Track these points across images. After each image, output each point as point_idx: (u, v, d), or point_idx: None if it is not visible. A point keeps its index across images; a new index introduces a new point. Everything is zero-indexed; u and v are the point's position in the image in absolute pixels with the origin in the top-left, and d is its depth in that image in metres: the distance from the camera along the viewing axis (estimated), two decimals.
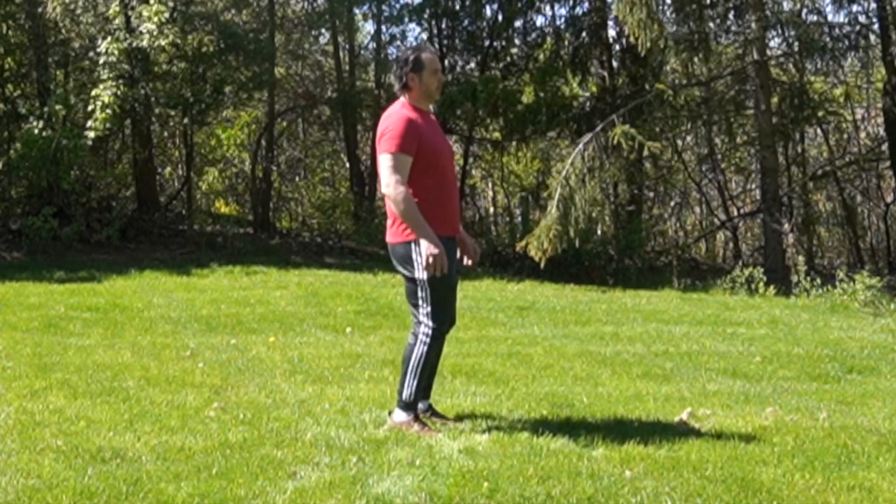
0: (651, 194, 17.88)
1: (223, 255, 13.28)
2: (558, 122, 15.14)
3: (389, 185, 4.25)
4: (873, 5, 14.37)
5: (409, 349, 4.42)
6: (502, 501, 3.49)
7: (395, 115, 4.38)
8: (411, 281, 4.37)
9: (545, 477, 3.73)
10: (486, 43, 16.38)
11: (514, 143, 17.29)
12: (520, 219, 17.38)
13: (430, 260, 4.21)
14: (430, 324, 4.34)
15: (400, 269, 4.43)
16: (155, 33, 12.76)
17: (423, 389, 4.60)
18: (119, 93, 12.84)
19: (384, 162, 4.27)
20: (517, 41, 16.69)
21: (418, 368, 4.36)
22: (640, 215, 15.66)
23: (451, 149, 4.68)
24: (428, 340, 4.35)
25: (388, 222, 4.43)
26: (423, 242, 4.22)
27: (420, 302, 4.35)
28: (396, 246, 4.39)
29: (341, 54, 17.29)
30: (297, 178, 20.45)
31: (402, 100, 4.46)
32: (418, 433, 4.29)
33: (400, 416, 4.42)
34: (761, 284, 11.31)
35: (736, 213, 17.49)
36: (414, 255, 4.29)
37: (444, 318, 4.38)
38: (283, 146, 19.58)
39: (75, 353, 6.41)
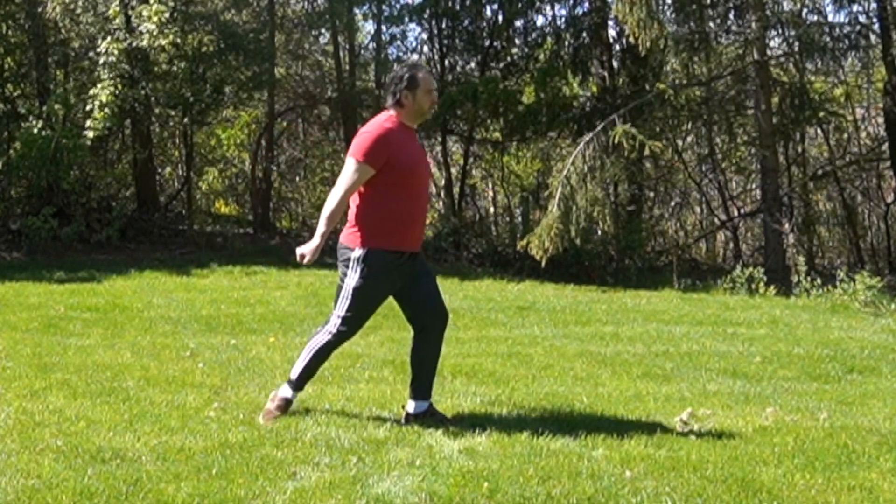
0: (651, 194, 17.87)
1: (223, 256, 13.27)
2: (559, 123, 15.14)
3: (338, 186, 4.38)
4: (873, 5, 14.37)
5: (312, 339, 4.57)
6: (502, 501, 3.49)
7: (374, 125, 4.45)
8: (341, 280, 4.50)
9: (545, 477, 3.72)
10: (487, 43, 16.38)
11: (514, 143, 17.29)
12: (520, 219, 17.36)
13: (298, 255, 4.45)
14: (338, 324, 4.47)
15: (339, 265, 4.55)
16: (155, 33, 12.76)
17: (425, 389, 4.60)
18: (118, 92, 12.83)
19: (346, 165, 4.40)
20: (517, 41, 16.70)
21: (311, 355, 4.52)
22: (640, 215, 15.66)
23: (428, 167, 4.72)
24: (329, 337, 4.49)
25: (347, 224, 4.52)
26: (311, 244, 4.40)
27: (340, 302, 4.47)
28: (342, 246, 4.51)
29: (341, 54, 17.29)
30: (297, 178, 20.45)
31: (389, 113, 4.50)
32: (273, 415, 4.51)
33: (285, 391, 4.59)
34: (761, 284, 11.31)
35: (736, 213, 17.48)
36: (351, 261, 4.43)
37: (352, 327, 4.51)
38: (283, 146, 19.57)
39: (75, 353, 6.40)
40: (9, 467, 3.74)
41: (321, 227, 4.42)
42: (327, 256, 14.88)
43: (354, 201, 4.46)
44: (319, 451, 4.02)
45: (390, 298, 4.65)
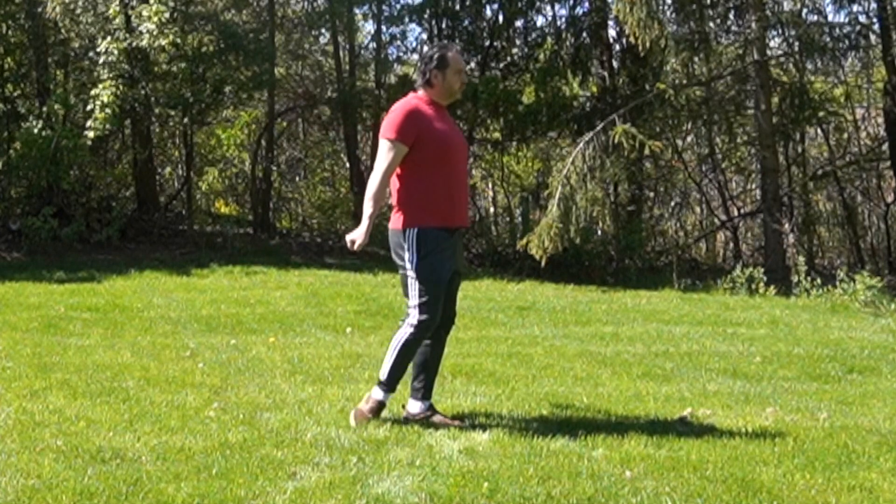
0: (651, 194, 17.86)
1: (223, 255, 13.27)
2: (559, 123, 15.13)
3: (376, 168, 4.38)
4: (873, 5, 14.37)
5: (396, 332, 4.49)
6: (502, 501, 3.49)
7: (401, 104, 4.47)
8: (403, 269, 4.43)
9: (545, 477, 3.72)
10: (487, 43, 16.38)
11: (514, 143, 17.28)
12: (520, 219, 17.35)
13: (348, 242, 4.38)
14: (417, 314, 4.38)
15: (394, 257, 4.49)
16: (155, 33, 12.76)
17: (425, 389, 4.60)
18: (119, 93, 12.83)
19: (380, 146, 4.41)
20: (517, 41, 16.69)
21: (395, 352, 4.43)
22: (640, 215, 15.65)
23: (464, 143, 4.70)
24: (411, 330, 4.40)
25: (393, 210, 4.48)
26: (360, 230, 4.32)
27: (410, 292, 4.40)
28: (392, 232, 4.46)
29: (341, 54, 17.28)
30: (297, 178, 20.43)
31: (418, 93, 4.51)
32: (366, 417, 4.44)
33: (377, 393, 4.51)
34: (761, 284, 11.30)
35: (736, 213, 17.47)
36: (405, 243, 4.37)
37: (432, 312, 4.38)
38: (283, 146, 19.56)
39: (75, 354, 6.40)
40: (9, 467, 3.74)
41: (367, 210, 4.34)
42: (327, 256, 14.87)
43: (394, 185, 4.44)
44: (319, 451, 4.02)
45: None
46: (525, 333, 7.83)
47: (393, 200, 4.48)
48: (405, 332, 4.41)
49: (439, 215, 4.38)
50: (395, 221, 4.43)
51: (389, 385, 4.49)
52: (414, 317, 4.38)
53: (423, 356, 4.59)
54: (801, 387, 5.80)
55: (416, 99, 4.48)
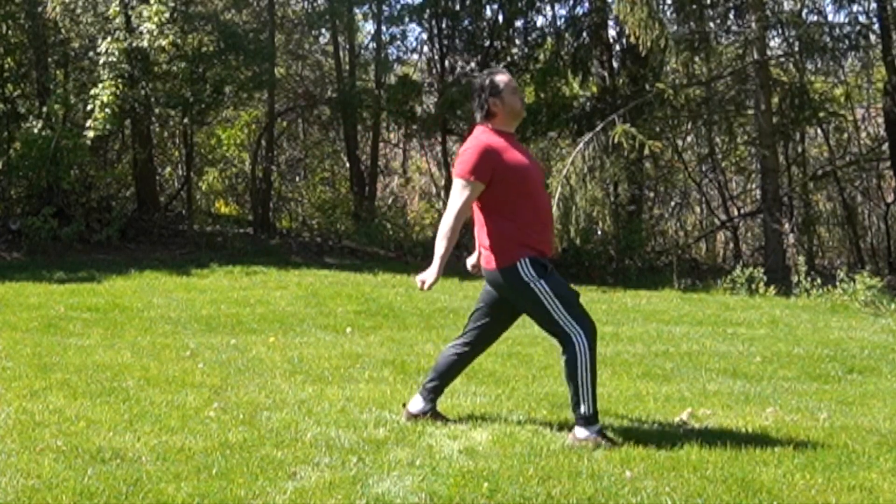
0: (651, 194, 17.86)
1: (223, 256, 13.27)
2: (559, 123, 15.13)
3: (450, 209, 4.27)
4: (873, 5, 14.36)
5: (569, 366, 4.22)
6: (502, 501, 3.49)
7: (473, 142, 4.35)
8: (531, 301, 4.24)
9: (545, 477, 3.72)
10: (487, 43, 16.37)
11: None
12: None
13: (418, 282, 4.28)
14: (574, 332, 4.19)
15: (510, 296, 4.32)
16: (155, 33, 12.75)
17: (434, 393, 4.57)
18: (119, 93, 12.83)
19: (454, 186, 4.31)
20: (517, 41, 16.69)
21: (581, 380, 4.19)
22: (640, 215, 15.64)
23: (539, 168, 4.59)
24: (579, 348, 4.18)
25: (485, 252, 4.34)
26: (432, 270, 4.22)
27: (555, 316, 4.21)
28: (495, 274, 4.29)
29: (341, 54, 17.28)
30: (297, 179, 20.43)
31: (483, 126, 4.40)
32: (599, 443, 4.15)
33: (581, 432, 4.23)
34: (761, 284, 11.31)
35: (736, 213, 17.46)
36: (522, 281, 4.21)
37: (582, 319, 4.22)
38: (283, 146, 19.55)
39: (75, 354, 6.40)
40: (9, 467, 3.74)
41: (439, 251, 4.25)
42: (327, 256, 14.86)
43: (482, 224, 4.32)
44: (319, 451, 4.02)
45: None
46: (525, 333, 7.81)
47: (483, 242, 4.34)
48: (576, 357, 4.18)
49: (534, 247, 4.27)
50: (494, 261, 4.27)
51: (594, 416, 4.22)
52: (574, 336, 4.18)
53: (447, 361, 4.54)
54: (801, 387, 5.80)
55: (484, 134, 4.36)
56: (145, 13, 12.88)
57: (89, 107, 13.01)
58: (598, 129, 12.30)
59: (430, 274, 4.25)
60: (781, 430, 4.57)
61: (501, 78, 4.42)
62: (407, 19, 16.60)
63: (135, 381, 5.47)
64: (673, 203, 19.06)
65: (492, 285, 4.39)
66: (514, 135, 4.50)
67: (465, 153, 4.32)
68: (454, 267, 13.68)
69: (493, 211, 4.29)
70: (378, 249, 14.62)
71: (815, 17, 14.50)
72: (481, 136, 4.37)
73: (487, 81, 4.41)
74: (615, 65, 15.50)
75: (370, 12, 17.37)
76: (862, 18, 14.41)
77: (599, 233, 13.83)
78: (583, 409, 4.20)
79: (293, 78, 18.70)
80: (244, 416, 4.65)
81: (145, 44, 12.87)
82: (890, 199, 17.50)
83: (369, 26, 18.96)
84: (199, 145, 17.94)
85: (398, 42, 17.63)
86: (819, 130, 16.97)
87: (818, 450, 4.19)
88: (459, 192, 4.26)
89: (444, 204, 17.64)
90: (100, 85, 12.88)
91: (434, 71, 17.23)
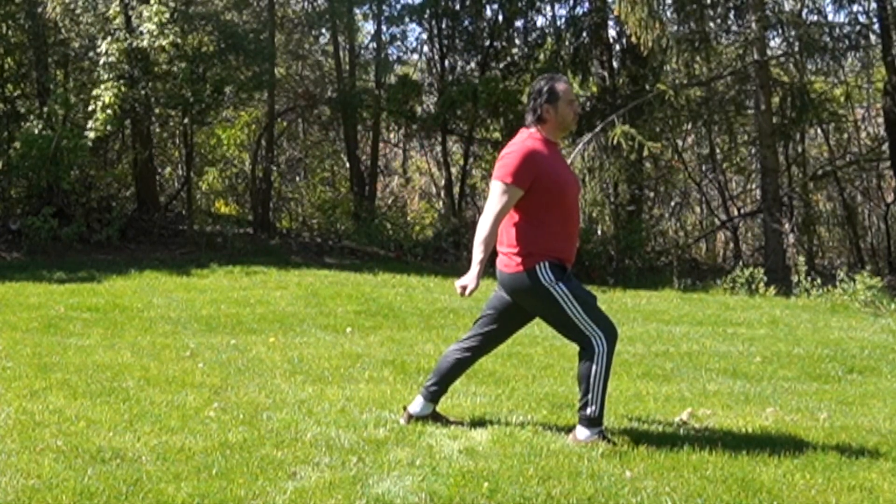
0: (651, 194, 17.85)
1: (223, 255, 13.27)
2: None
3: (487, 211, 4.21)
4: (873, 5, 14.35)
5: (584, 366, 4.21)
6: (502, 501, 3.49)
7: (518, 145, 4.30)
8: (550, 305, 4.20)
9: (545, 477, 3.73)
10: (487, 43, 16.39)
11: None
12: None
13: (458, 287, 4.21)
14: (594, 336, 4.17)
15: (526, 303, 4.30)
16: (155, 33, 12.75)
17: (435, 395, 4.56)
18: (119, 93, 12.83)
19: (493, 188, 4.25)
20: (518, 41, 16.70)
21: (596, 382, 4.17)
22: (640, 215, 15.64)
23: (577, 181, 4.55)
24: (598, 352, 4.16)
25: (508, 255, 4.28)
26: (472, 275, 4.15)
27: (575, 320, 4.19)
28: (513, 277, 4.24)
29: (341, 54, 17.28)
30: (297, 178, 20.43)
31: (531, 130, 4.34)
32: (599, 444, 4.15)
33: (583, 433, 4.23)
34: (762, 284, 11.30)
35: (736, 213, 17.46)
36: (541, 286, 4.17)
37: (603, 323, 4.21)
38: (283, 146, 19.55)
39: (75, 354, 6.40)
40: (9, 467, 3.74)
41: (477, 255, 4.16)
42: (327, 256, 14.85)
43: (507, 227, 4.27)
44: (319, 451, 4.02)
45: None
46: (525, 333, 7.79)
47: (508, 244, 4.28)
48: (595, 361, 4.15)
49: (556, 255, 4.23)
50: (516, 264, 4.23)
51: (599, 417, 4.21)
52: (595, 341, 4.16)
53: (448, 365, 4.52)
54: (801, 387, 5.80)
55: (531, 139, 4.30)
56: (145, 13, 12.89)
57: (90, 107, 13.02)
58: (597, 129, 12.29)
59: (471, 280, 4.17)
60: (781, 430, 4.57)
61: (561, 86, 4.34)
62: (407, 19, 16.62)
63: (135, 381, 5.47)
64: (673, 203, 19.06)
65: (507, 289, 4.33)
66: (558, 145, 4.46)
67: (508, 156, 4.25)
68: (454, 267, 13.70)
69: (523, 216, 4.25)
70: (378, 249, 14.61)
71: (815, 17, 14.48)
72: (527, 140, 4.31)
73: (546, 87, 4.33)
74: (615, 65, 15.50)
75: (370, 12, 17.37)
76: (862, 18, 14.41)
77: (599, 233, 13.83)
78: (589, 410, 4.20)
79: (293, 78, 18.71)
80: (244, 416, 4.65)
81: (145, 44, 12.87)
82: (890, 199, 17.50)
83: (369, 26, 18.98)
84: (199, 145, 17.94)
85: (398, 42, 17.67)
86: (819, 130, 16.97)
87: (818, 450, 4.19)
88: (498, 197, 4.19)
89: (444, 203, 17.70)
90: (101, 86, 12.89)
91: (434, 71, 17.24)
